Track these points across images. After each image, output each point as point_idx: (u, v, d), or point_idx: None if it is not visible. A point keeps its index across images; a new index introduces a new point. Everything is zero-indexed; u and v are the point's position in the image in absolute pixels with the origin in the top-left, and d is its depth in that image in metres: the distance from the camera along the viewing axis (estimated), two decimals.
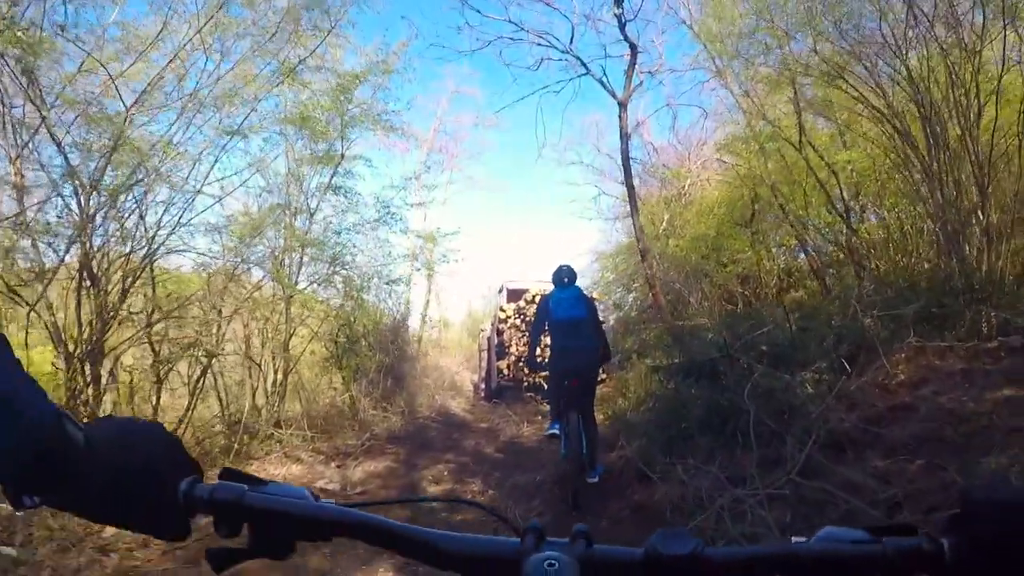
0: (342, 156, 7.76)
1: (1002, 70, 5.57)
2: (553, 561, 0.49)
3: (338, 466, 6.13)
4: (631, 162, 9.08)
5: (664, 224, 14.25)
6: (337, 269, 8.01)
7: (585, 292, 5.22)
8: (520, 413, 9.52)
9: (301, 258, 7.70)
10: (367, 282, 8.56)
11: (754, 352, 5.46)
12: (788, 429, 4.24)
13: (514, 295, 11.25)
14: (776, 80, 8.97)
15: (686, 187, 13.84)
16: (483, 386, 11.83)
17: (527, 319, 10.19)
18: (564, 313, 4.76)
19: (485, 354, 11.85)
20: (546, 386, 7.99)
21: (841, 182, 8.73)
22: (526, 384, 10.32)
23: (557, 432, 4.73)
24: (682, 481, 4.27)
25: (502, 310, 10.90)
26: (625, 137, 8.90)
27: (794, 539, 0.53)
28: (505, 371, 10.61)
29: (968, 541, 0.48)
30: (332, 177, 7.86)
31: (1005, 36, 5.46)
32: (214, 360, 6.09)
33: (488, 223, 51.66)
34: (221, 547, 0.55)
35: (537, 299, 10.25)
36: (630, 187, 8.94)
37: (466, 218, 42.59)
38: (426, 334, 25.09)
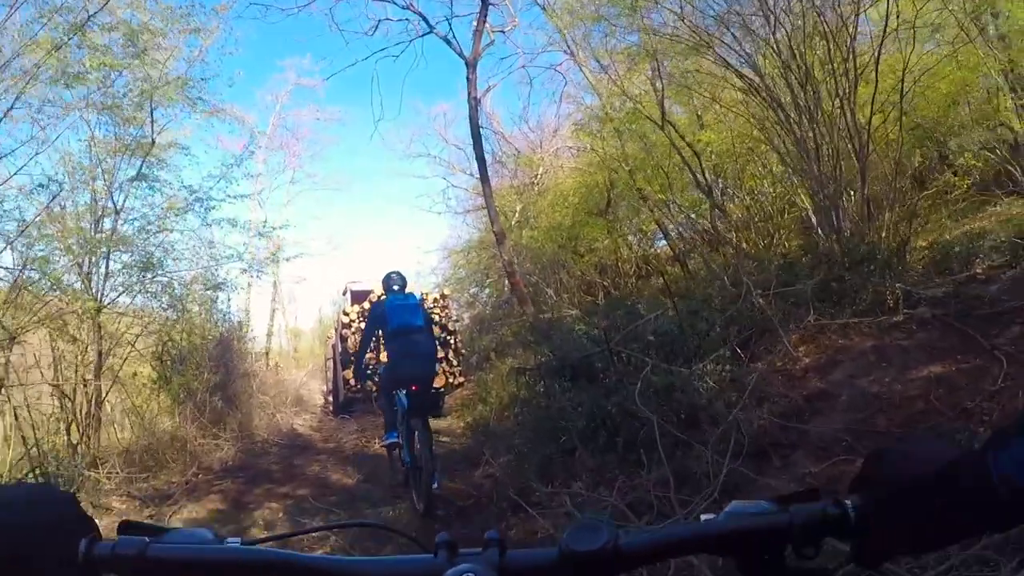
0: (152, 143, 6.68)
1: (883, 37, 5.21)
2: (470, 573, 0.48)
3: (151, 516, 4.91)
4: (482, 137, 7.96)
5: (517, 215, 13.44)
6: (154, 275, 6.80)
7: (420, 298, 5.20)
8: (371, 428, 8.04)
9: (107, 264, 6.39)
10: (188, 289, 7.22)
11: (637, 344, 4.57)
12: (696, 436, 3.32)
13: (358, 297, 9.68)
14: (636, 54, 8.40)
15: (539, 175, 13.13)
16: (331, 399, 10.20)
17: None
18: (400, 320, 4.60)
19: (332, 363, 10.18)
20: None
21: (703, 162, 8.36)
22: (376, 394, 8.76)
23: (397, 439, 4.69)
24: (568, 514, 3.18)
25: (345, 313, 9.32)
26: (474, 101, 7.79)
27: (703, 517, 0.53)
28: (352, 381, 9.03)
29: (871, 501, 0.49)
30: (141, 167, 6.70)
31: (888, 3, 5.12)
32: (14, 391, 5.33)
33: (337, 224, 48.90)
34: None
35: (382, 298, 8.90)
36: (480, 158, 7.86)
37: (313, 221, 39.48)
38: (276, 345, 22.95)
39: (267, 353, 20.41)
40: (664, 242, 14.21)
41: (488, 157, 16.50)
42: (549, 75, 15.92)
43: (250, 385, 7.88)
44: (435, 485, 4.42)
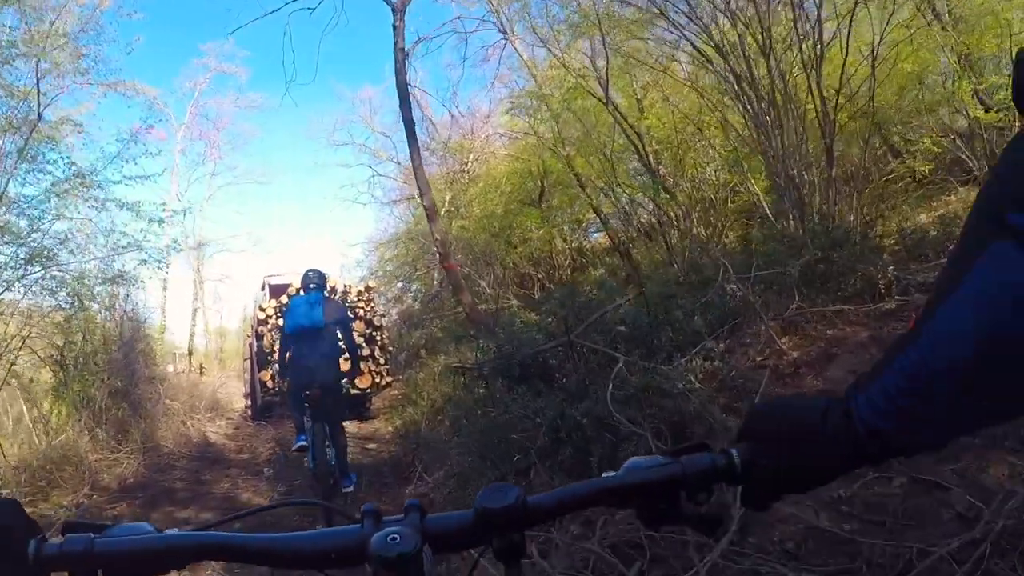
0: (39, 117, 5.98)
1: (854, 5, 4.80)
2: (395, 535, 0.50)
3: None
4: (410, 102, 7.10)
5: (447, 204, 12.61)
6: (43, 268, 6.00)
7: (330, 296, 5.08)
8: (290, 434, 7.08)
9: None
10: (81, 283, 6.34)
11: (602, 337, 3.92)
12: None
13: (276, 291, 8.44)
14: (580, 25, 7.78)
15: (470, 163, 12.36)
16: (248, 403, 8.99)
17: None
18: (300, 320, 4.43)
19: (249, 363, 8.93)
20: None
21: (645, 146, 7.89)
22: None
23: (305, 443, 4.48)
24: (533, 563, 2.46)
25: (261, 309, 8.08)
26: (401, 54, 6.89)
27: (604, 474, 0.56)
28: (269, 383, 7.89)
29: (752, 449, 0.53)
30: (26, 144, 5.97)
31: None
32: None
33: (261, 219, 46.51)
34: None
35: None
36: (409, 120, 6.96)
37: (237, 216, 36.96)
38: (201, 346, 21.13)
39: (190, 354, 18.75)
40: (599, 234, 13.91)
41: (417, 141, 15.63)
42: (480, 56, 15.21)
43: (157, 390, 6.74)
44: (348, 487, 4.33)
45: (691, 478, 0.53)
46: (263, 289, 9.12)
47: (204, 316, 22.13)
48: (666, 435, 2.76)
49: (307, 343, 4.34)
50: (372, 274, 12.65)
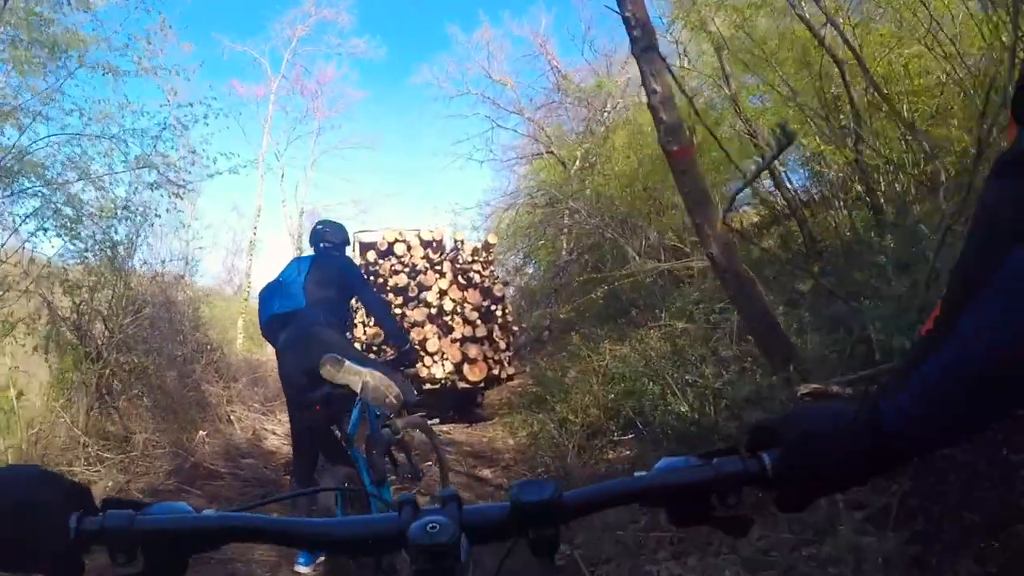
0: None
1: None
2: (434, 524, 0.51)
3: None
4: None
5: (578, 162, 10.65)
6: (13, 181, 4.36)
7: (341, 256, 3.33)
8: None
9: None
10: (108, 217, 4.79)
11: None
12: None
13: (367, 248, 6.88)
14: None
15: (608, 110, 10.26)
16: None
17: (380, 277, 6.08)
18: (282, 301, 2.94)
19: None
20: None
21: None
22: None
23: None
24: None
25: None
26: None
27: (637, 474, 0.57)
28: None
29: (784, 453, 0.55)
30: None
31: None
32: None
33: (367, 186, 46.50)
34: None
35: (396, 247, 6.22)
36: None
37: (342, 184, 36.88)
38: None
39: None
40: (747, 206, 11.37)
41: (541, 95, 13.57)
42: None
43: (193, 370, 5.25)
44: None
45: (722, 481, 0.55)
46: (353, 247, 7.42)
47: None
48: None
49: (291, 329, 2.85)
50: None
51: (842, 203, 6.53)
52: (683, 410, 3.47)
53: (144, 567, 0.54)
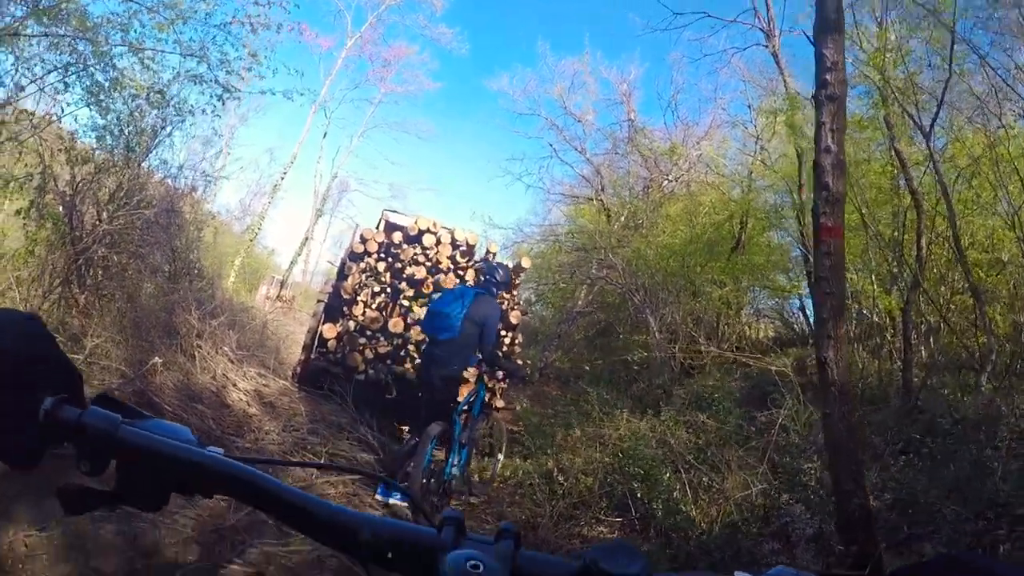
0: None
1: None
2: (477, 563, 0.41)
3: None
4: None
5: (623, 219, 10.30)
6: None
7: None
8: (343, 423, 4.82)
9: None
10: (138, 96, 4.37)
11: None
12: None
13: (391, 229, 6.24)
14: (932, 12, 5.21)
15: (671, 177, 9.97)
16: (301, 358, 6.61)
17: (399, 263, 5.59)
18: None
19: (320, 308, 6.65)
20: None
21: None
22: (364, 374, 5.42)
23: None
24: None
25: (363, 240, 5.95)
26: None
27: (737, 572, 0.47)
28: (332, 343, 5.69)
29: None
30: None
31: None
32: None
33: (408, 172, 46.44)
34: (78, 485, 0.44)
35: (425, 237, 5.77)
36: None
37: (384, 163, 36.68)
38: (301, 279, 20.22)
39: (283, 283, 17.59)
40: (765, 319, 11.02)
41: (607, 142, 13.20)
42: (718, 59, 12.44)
43: (174, 289, 4.76)
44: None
45: None
46: (378, 226, 6.76)
47: (312, 251, 20.92)
48: None
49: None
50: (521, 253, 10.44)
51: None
52: (694, 515, 3.00)
53: (116, 487, 0.44)
